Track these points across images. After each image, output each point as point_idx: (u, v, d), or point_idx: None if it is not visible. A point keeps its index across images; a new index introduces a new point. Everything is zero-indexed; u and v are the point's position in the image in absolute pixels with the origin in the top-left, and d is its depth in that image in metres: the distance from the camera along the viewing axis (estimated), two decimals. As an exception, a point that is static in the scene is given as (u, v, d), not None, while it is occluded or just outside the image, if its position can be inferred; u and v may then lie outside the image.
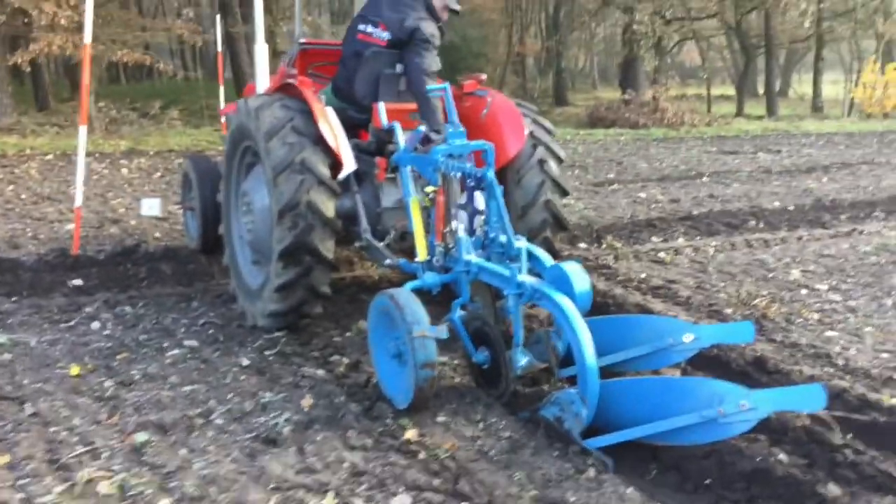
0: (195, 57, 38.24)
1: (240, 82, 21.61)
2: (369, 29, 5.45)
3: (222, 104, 15.97)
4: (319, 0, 35.06)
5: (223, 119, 15.46)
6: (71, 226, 8.00)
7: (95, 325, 5.29)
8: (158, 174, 12.04)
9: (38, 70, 21.08)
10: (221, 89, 15.15)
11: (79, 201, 7.03)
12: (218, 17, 16.28)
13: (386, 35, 5.39)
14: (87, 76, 6.96)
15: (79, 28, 15.70)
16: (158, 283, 6.29)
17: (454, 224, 4.48)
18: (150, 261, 6.84)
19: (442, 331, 3.97)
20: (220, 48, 15.69)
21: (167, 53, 33.24)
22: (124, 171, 12.15)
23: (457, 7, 5.63)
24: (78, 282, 6.17)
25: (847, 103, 30.23)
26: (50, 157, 13.44)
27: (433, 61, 5.37)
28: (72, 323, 5.32)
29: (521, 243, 4.32)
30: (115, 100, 20.23)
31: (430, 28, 5.37)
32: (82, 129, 6.96)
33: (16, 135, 16.02)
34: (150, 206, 7.15)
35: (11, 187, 10.40)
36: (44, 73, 22.77)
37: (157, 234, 7.81)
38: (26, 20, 16.36)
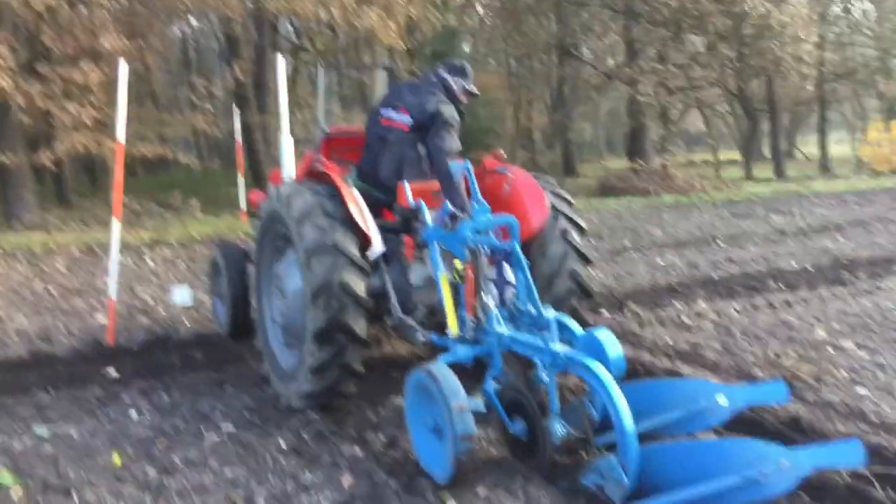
0: (210, 148, 39.21)
1: (256, 171, 22.13)
2: (391, 114, 5.70)
3: (241, 192, 16.35)
4: (331, 87, 36.04)
5: (243, 207, 15.84)
6: (102, 317, 8.16)
7: (133, 413, 5.38)
8: (183, 264, 12.25)
9: (60, 168, 21.64)
10: (240, 178, 15.54)
11: (113, 293, 7.19)
12: (235, 108, 16.82)
13: (408, 119, 5.62)
14: (120, 173, 7.20)
15: (100, 126, 16.26)
16: (192, 370, 6.38)
17: (485, 297, 4.58)
18: (183, 348, 6.95)
19: (479, 403, 4.04)
20: (238, 138, 16.17)
21: (183, 145, 34.07)
22: (149, 261, 12.37)
23: (475, 90, 5.88)
24: (113, 372, 6.28)
25: (854, 162, 30.52)
26: (76, 251, 13.72)
27: (454, 143, 5.58)
28: (110, 413, 5.41)
29: (551, 313, 4.42)
30: (135, 192, 20.69)
31: (449, 111, 5.60)
32: (115, 223, 7.18)
33: (41, 231, 16.40)
34: (182, 295, 7.30)
35: (40, 283, 10.61)
36: (65, 171, 23.37)
37: (187, 322, 7.94)
38: (50, 120, 16.92)
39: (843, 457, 3.36)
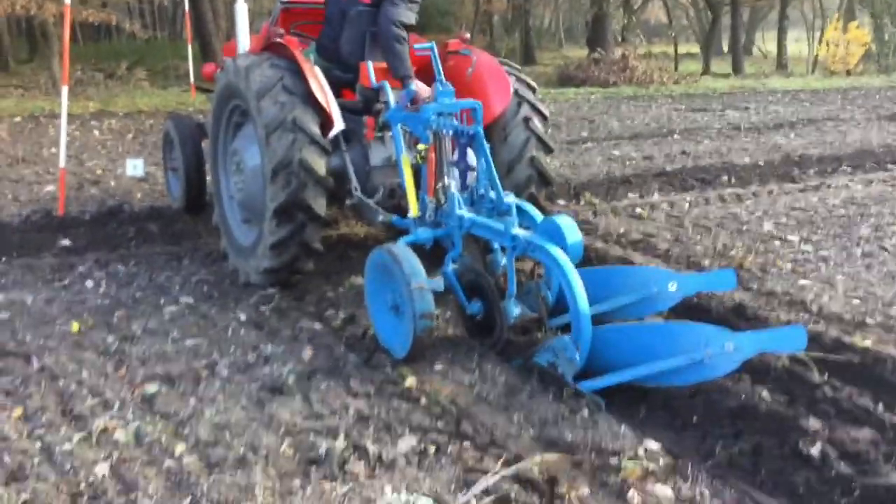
0: (155, 16, 37.49)
1: (204, 42, 21.30)
2: None
3: (191, 64, 15.82)
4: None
5: (192, 80, 15.35)
6: (50, 187, 7.99)
7: (89, 283, 5.36)
8: (130, 135, 11.95)
9: (-3, 32, 20.61)
10: (190, 49, 14.99)
11: (62, 162, 7.01)
12: (185, -26, 16.04)
13: None
14: (68, 36, 6.89)
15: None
16: (147, 243, 6.35)
17: (447, 180, 4.59)
18: (137, 221, 6.88)
19: (439, 283, 4.13)
20: (187, 6, 15.49)
21: (125, 13, 32.53)
22: (96, 132, 12.03)
23: None
24: (67, 242, 6.21)
25: (811, 61, 30.66)
26: (18, 119, 13.24)
27: (406, 14, 5.38)
28: (66, 282, 5.39)
29: (511, 198, 4.47)
30: (78, 61, 19.85)
31: None
32: (64, 90, 6.94)
33: (-21, 98, 15.74)
34: (135, 166, 7.16)
35: (-17, 150, 10.28)
36: (2, 36, 22.24)
37: (139, 195, 7.82)
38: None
39: (785, 341, 3.53)
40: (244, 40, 6.77)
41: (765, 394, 3.75)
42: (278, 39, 5.29)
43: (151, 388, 3.81)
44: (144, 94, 17.11)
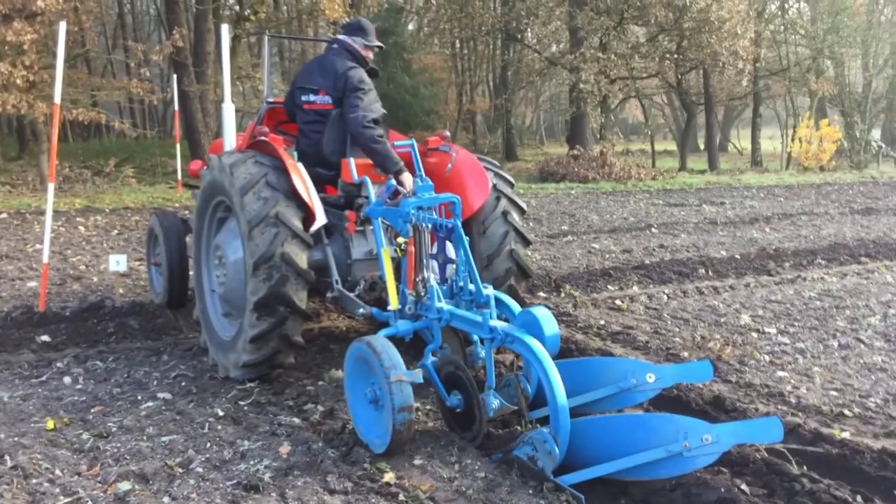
0: (145, 115, 38.16)
1: (193, 140, 21.69)
2: (312, 98, 5.76)
3: (179, 162, 16.08)
4: (273, 59, 35.42)
5: (180, 177, 15.58)
6: (32, 283, 7.99)
7: (67, 379, 5.31)
8: (116, 231, 12.02)
9: (-14, 129, 20.90)
10: (178, 147, 15.25)
11: (46, 258, 7.04)
12: (174, 76, 16.46)
13: (328, 100, 5.70)
14: (56, 135, 7.04)
15: (32, 87, 15.73)
16: (127, 338, 6.32)
17: (426, 273, 4.66)
18: (118, 316, 6.86)
19: (418, 375, 4.12)
20: (176, 107, 15.84)
21: (116, 112, 33.14)
22: (81, 228, 12.09)
23: (377, 43, 5.93)
24: (46, 338, 6.18)
25: (785, 157, 31.49)
26: (4, 215, 13.31)
27: (370, 106, 5.61)
28: (43, 378, 5.34)
29: (490, 291, 4.53)
30: (67, 158, 20.11)
31: (357, 74, 5.67)
32: (51, 187, 7.04)
33: (-34, 194, 15.84)
34: (118, 262, 7.19)
35: (-34, 246, 10.29)
36: (-8, 133, 22.57)
37: (121, 290, 7.83)
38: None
39: (762, 433, 3.55)
40: (230, 139, 6.93)
41: (744, 486, 3.73)
42: (263, 138, 5.44)
43: (125, 486, 3.74)
44: (131, 191, 17.28)
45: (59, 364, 5.61)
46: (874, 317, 7.03)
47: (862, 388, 5.16)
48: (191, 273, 6.46)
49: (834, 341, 6.28)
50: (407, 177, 5.40)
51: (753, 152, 33.34)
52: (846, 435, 4.30)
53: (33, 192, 16.42)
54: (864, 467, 3.93)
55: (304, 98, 5.78)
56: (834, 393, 5.09)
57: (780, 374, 5.48)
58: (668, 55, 27.12)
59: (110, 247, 10.53)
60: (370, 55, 5.90)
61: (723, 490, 3.68)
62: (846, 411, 4.71)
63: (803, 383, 5.28)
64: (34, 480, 3.79)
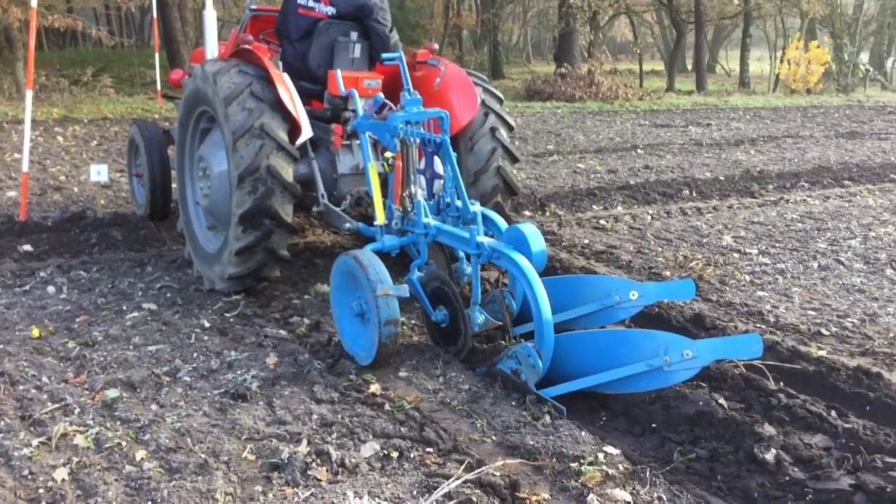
0: (122, 23, 37.11)
1: (171, 49, 21.15)
2: (311, 3, 5.55)
3: (158, 72, 15.71)
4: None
5: (159, 87, 15.24)
6: (12, 193, 7.89)
7: (51, 289, 5.30)
8: (95, 142, 11.82)
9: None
10: (157, 57, 14.88)
11: (25, 167, 6.93)
12: (153, -19, 15.93)
13: (330, 10, 5.52)
14: (33, 40, 6.83)
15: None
16: (110, 249, 6.29)
17: (413, 188, 4.63)
18: (100, 227, 6.81)
19: (404, 289, 4.15)
20: (155, 14, 15.39)
21: (92, 19, 32.19)
22: (60, 138, 11.87)
23: None
24: (28, 247, 6.14)
25: (772, 79, 31.24)
26: (-22, 124, 13.05)
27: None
28: (27, 287, 5.32)
29: (477, 207, 4.52)
30: (43, 67, 19.59)
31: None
32: (28, 94, 6.87)
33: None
34: (99, 172, 7.08)
35: (-58, 155, 10.11)
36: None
37: (103, 202, 7.74)
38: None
39: (742, 349, 3.62)
40: (213, 47, 6.75)
41: (722, 401, 3.82)
42: (247, 46, 5.30)
43: (112, 393, 3.78)
44: (110, 101, 16.92)
45: (42, 273, 5.58)
46: (854, 239, 7.10)
47: (840, 308, 5.26)
48: (174, 185, 6.39)
49: (814, 262, 6.36)
50: None
51: (742, 73, 32.99)
52: (823, 353, 4.40)
53: (9, 101, 16.02)
54: (840, 384, 4.03)
55: (301, 1, 5.59)
56: (812, 312, 5.18)
57: (760, 293, 5.56)
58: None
59: (90, 157, 10.38)
60: None
61: (701, 403, 3.77)
62: (823, 330, 4.81)
63: (782, 303, 5.37)
64: (21, 387, 3.83)
